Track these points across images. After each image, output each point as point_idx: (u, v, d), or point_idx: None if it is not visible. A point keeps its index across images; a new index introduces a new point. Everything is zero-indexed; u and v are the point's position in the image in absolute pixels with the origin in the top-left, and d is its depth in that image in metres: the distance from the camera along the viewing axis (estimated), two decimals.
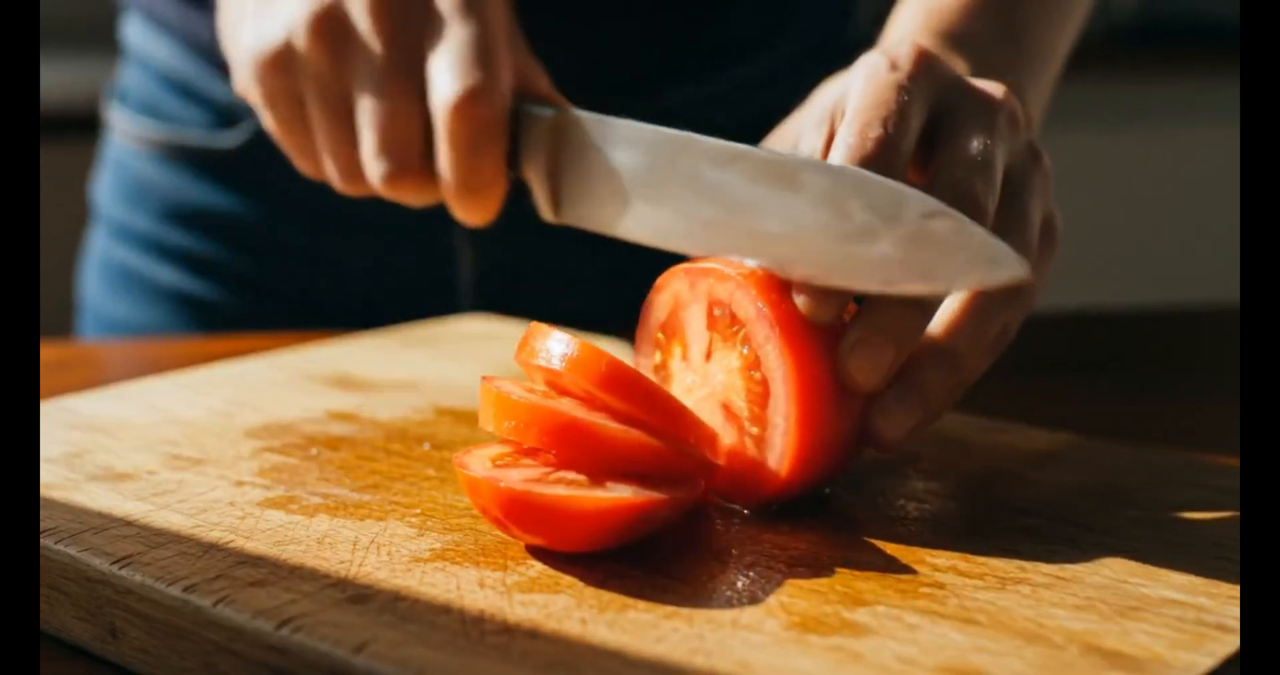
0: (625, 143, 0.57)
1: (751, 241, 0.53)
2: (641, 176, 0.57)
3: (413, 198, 0.63)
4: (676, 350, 0.55)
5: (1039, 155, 0.56)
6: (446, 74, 0.60)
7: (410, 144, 0.62)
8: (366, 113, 0.62)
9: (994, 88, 0.55)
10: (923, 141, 0.54)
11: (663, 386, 0.55)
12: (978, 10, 0.64)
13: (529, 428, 0.49)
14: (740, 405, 0.52)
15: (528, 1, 0.83)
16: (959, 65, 0.60)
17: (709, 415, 0.53)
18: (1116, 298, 2.14)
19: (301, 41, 0.62)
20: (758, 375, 0.51)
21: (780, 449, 0.51)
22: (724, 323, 0.53)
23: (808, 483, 0.52)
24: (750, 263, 0.53)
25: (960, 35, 0.63)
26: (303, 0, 0.62)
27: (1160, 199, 2.39)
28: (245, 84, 0.65)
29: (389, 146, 0.62)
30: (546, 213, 0.62)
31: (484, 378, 0.51)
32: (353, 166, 0.64)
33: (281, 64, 0.63)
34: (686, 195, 0.55)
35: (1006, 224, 0.53)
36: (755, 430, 0.52)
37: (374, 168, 0.62)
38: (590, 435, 0.49)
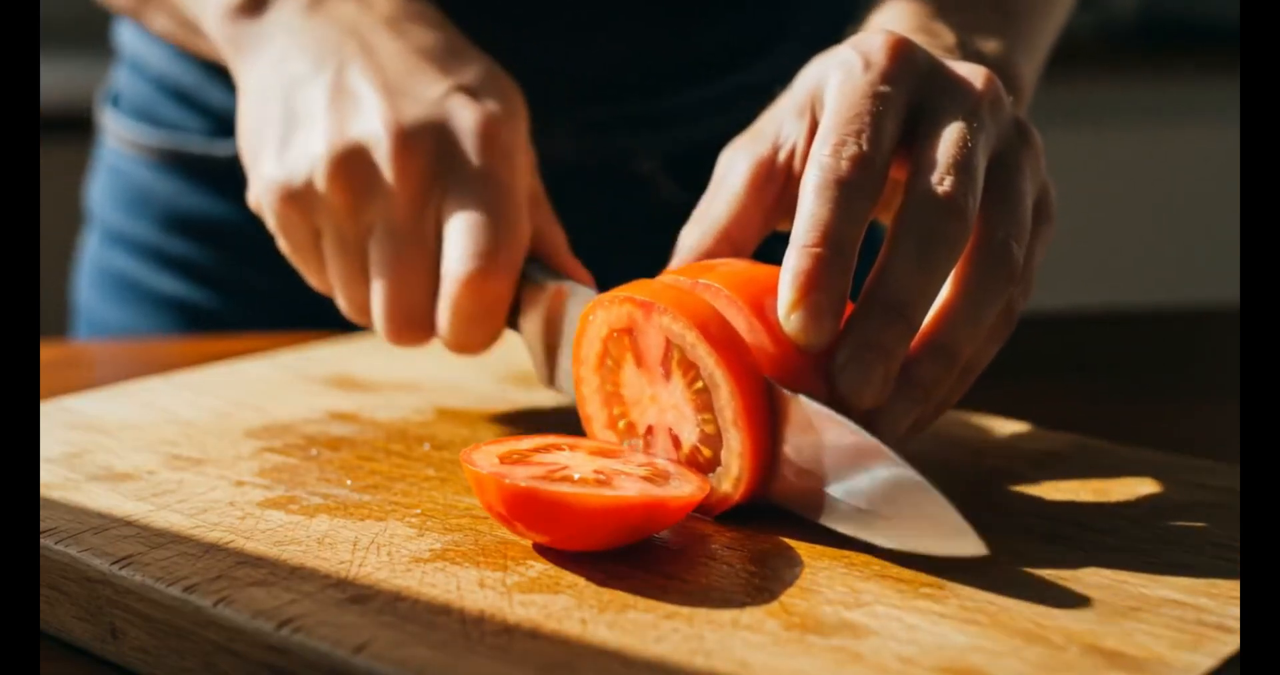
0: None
1: None
2: None
3: (412, 345, 0.63)
4: (628, 355, 0.54)
5: (1028, 133, 0.55)
6: (459, 246, 0.59)
7: (416, 308, 0.61)
8: (378, 267, 0.61)
9: (974, 72, 0.55)
10: (906, 131, 0.53)
11: (612, 389, 0.55)
12: None
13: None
14: (692, 435, 0.52)
15: (531, 7, 0.84)
16: (945, 35, 0.60)
17: (661, 435, 0.53)
18: (1116, 298, 2.14)
19: (322, 183, 0.60)
20: (703, 394, 0.51)
21: (735, 473, 0.51)
22: (677, 358, 0.52)
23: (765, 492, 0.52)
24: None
25: (948, 3, 0.62)
26: (328, 138, 0.61)
27: (1160, 199, 2.39)
28: (260, 207, 0.64)
29: (395, 309, 0.61)
30: (541, 378, 0.62)
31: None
32: (361, 305, 0.64)
33: (300, 201, 0.62)
34: None
35: (996, 209, 0.52)
36: (707, 452, 0.52)
37: (379, 321, 0.62)
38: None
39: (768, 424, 0.50)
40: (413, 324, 0.62)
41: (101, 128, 0.96)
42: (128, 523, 0.50)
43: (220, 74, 0.87)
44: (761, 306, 0.51)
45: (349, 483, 0.55)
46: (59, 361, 0.79)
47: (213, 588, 0.45)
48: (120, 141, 0.93)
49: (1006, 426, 0.63)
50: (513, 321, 0.63)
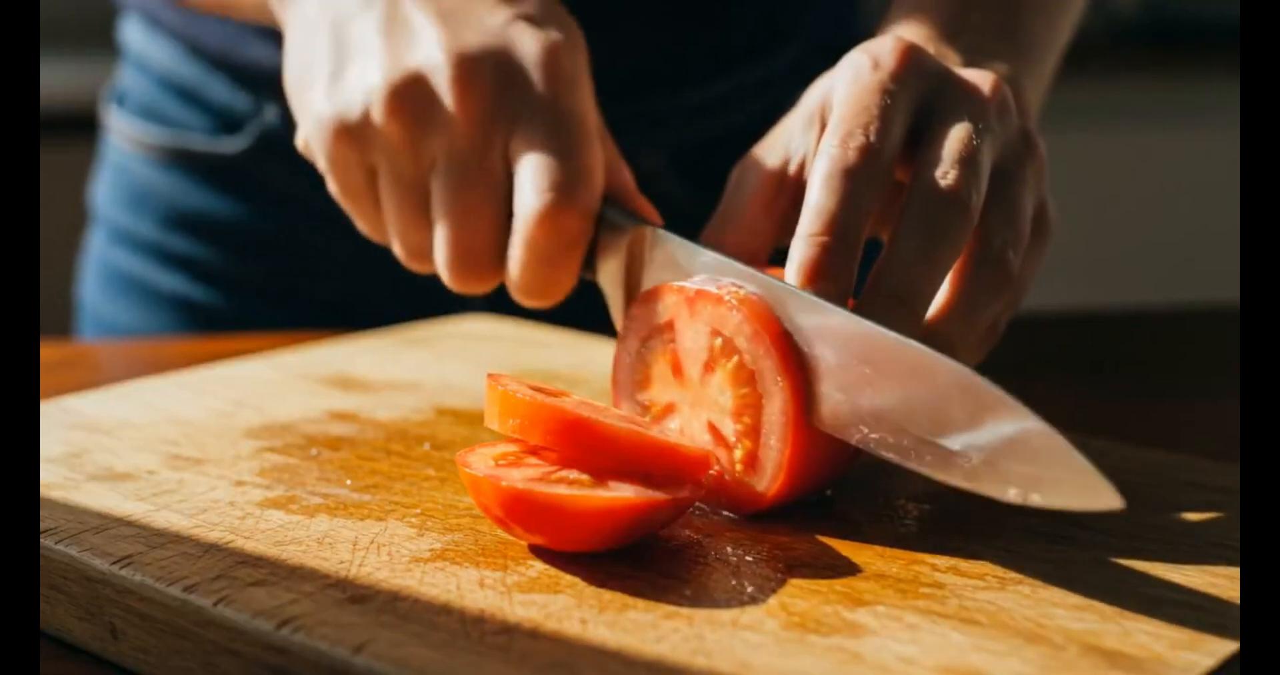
0: (709, 274, 0.54)
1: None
2: None
3: (479, 290, 0.60)
4: (663, 362, 0.55)
5: (1033, 143, 0.55)
6: (535, 179, 0.56)
7: (486, 248, 0.58)
8: (441, 206, 0.58)
9: (982, 77, 0.55)
10: (911, 138, 0.54)
11: (641, 389, 0.55)
12: (972, 5, 0.64)
13: (533, 426, 0.49)
14: (731, 428, 0.52)
15: None
16: (951, 59, 0.60)
17: (699, 432, 0.53)
18: (1116, 298, 2.14)
19: (379, 115, 0.57)
20: (748, 394, 0.51)
21: (771, 474, 0.51)
22: (721, 345, 0.52)
23: (797, 496, 0.52)
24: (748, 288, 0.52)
25: (953, 28, 0.63)
26: (384, 67, 0.57)
27: (1160, 199, 2.39)
28: (311, 147, 0.61)
29: (463, 251, 0.58)
30: (619, 321, 0.59)
31: (490, 375, 0.51)
32: (422, 249, 0.60)
33: (355, 136, 0.58)
34: None
35: (996, 214, 0.53)
36: (741, 450, 0.52)
37: (443, 265, 0.59)
38: (594, 433, 0.49)
39: (811, 431, 0.50)
40: (480, 266, 0.58)
41: (106, 127, 0.96)
42: (128, 523, 0.50)
43: (225, 71, 0.87)
44: (764, 307, 0.51)
45: (349, 483, 0.55)
46: (59, 361, 0.79)
47: (213, 588, 0.45)
48: (124, 140, 0.93)
49: None
50: (588, 266, 0.59)
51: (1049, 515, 0.53)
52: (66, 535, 0.49)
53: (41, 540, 0.49)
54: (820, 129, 0.56)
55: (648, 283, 0.57)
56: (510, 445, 0.51)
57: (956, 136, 0.52)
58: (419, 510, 0.52)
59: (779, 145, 0.58)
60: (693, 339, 0.53)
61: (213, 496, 0.53)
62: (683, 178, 0.89)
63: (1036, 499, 0.45)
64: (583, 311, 0.81)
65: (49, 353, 0.80)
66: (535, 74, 0.58)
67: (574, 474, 0.49)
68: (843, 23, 0.96)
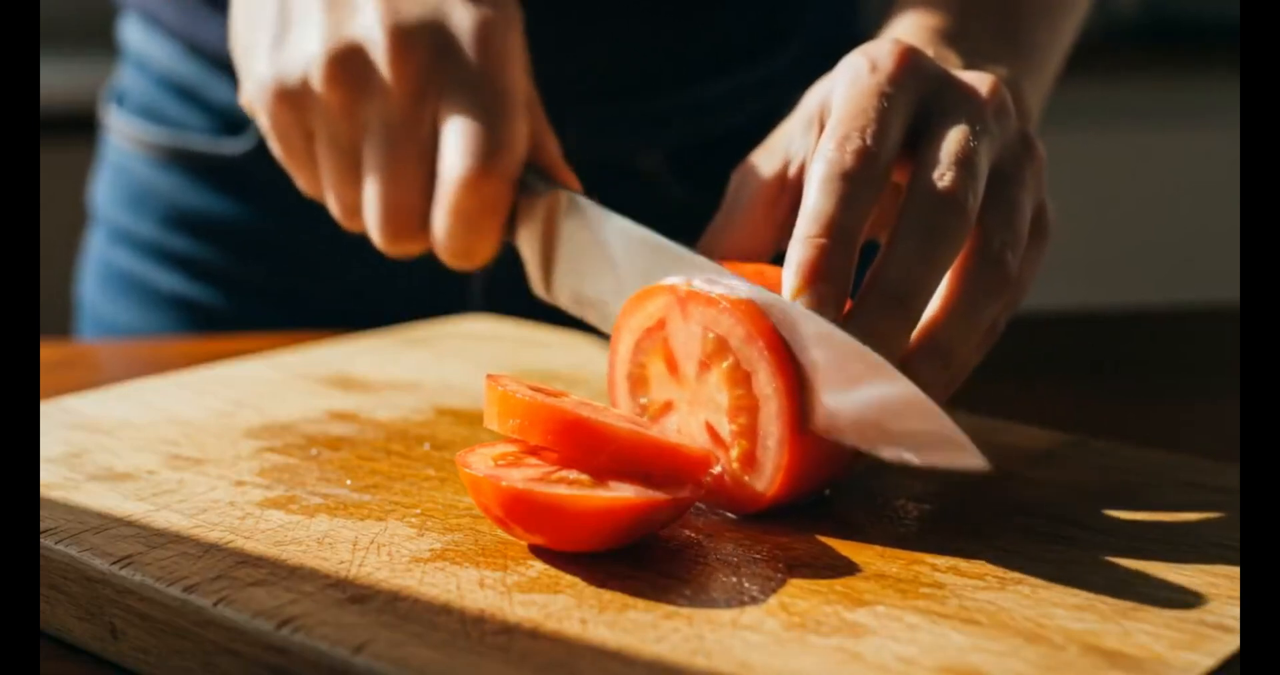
0: (619, 241, 0.57)
1: None
2: (631, 279, 0.57)
3: (406, 251, 0.63)
4: (657, 358, 0.55)
5: (1032, 146, 0.56)
6: (459, 145, 0.59)
7: (412, 210, 0.61)
8: (372, 168, 0.61)
9: (981, 80, 0.55)
10: (909, 140, 0.54)
11: (637, 389, 0.55)
12: (973, 8, 0.64)
13: (533, 426, 0.49)
14: (727, 427, 0.52)
15: (534, 5, 0.84)
16: (952, 61, 0.60)
17: (696, 430, 0.53)
18: (1116, 298, 2.14)
19: (317, 82, 0.60)
20: (743, 395, 0.51)
21: (770, 475, 0.51)
22: (714, 346, 0.52)
23: (796, 497, 0.52)
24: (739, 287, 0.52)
25: (954, 33, 0.63)
26: (324, 36, 0.60)
27: (1160, 199, 2.39)
28: (253, 108, 0.64)
29: (390, 211, 0.61)
30: (537, 286, 0.62)
31: (489, 376, 0.51)
32: (354, 207, 0.63)
33: (294, 101, 0.61)
34: None
35: (995, 215, 0.53)
36: (738, 449, 0.52)
37: (373, 224, 0.62)
38: (594, 433, 0.49)
39: (808, 433, 0.50)
40: (407, 227, 0.61)
41: (105, 126, 0.96)
42: (128, 523, 0.50)
43: (225, 71, 0.87)
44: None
45: (349, 483, 0.55)
46: (59, 361, 0.79)
47: (213, 588, 0.45)
48: (124, 139, 0.93)
49: (1006, 426, 0.63)
50: (509, 232, 0.62)
51: (1049, 516, 0.53)
52: (66, 535, 0.49)
53: (41, 540, 0.49)
54: (819, 132, 0.56)
55: (561, 248, 0.60)
56: (510, 445, 0.51)
57: (954, 138, 0.52)
58: (419, 510, 0.52)
59: (779, 148, 0.58)
60: (686, 339, 0.53)
61: (213, 496, 0.53)
62: (682, 178, 0.89)
63: (910, 457, 0.48)
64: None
65: (49, 353, 0.80)
66: (467, 47, 0.60)
67: (574, 474, 0.49)
68: (843, 22, 0.96)
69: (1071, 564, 0.48)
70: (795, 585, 0.46)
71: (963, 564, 0.48)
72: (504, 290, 0.88)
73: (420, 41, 0.60)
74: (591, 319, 0.61)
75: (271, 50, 0.62)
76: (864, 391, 0.48)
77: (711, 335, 0.52)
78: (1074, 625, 0.44)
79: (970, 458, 0.47)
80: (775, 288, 0.51)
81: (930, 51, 0.60)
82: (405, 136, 0.60)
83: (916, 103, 0.54)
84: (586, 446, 0.49)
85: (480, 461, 0.49)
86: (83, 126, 1.40)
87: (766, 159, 0.58)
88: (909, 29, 0.63)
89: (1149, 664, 0.41)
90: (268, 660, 0.43)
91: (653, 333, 0.54)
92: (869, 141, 0.52)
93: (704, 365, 0.52)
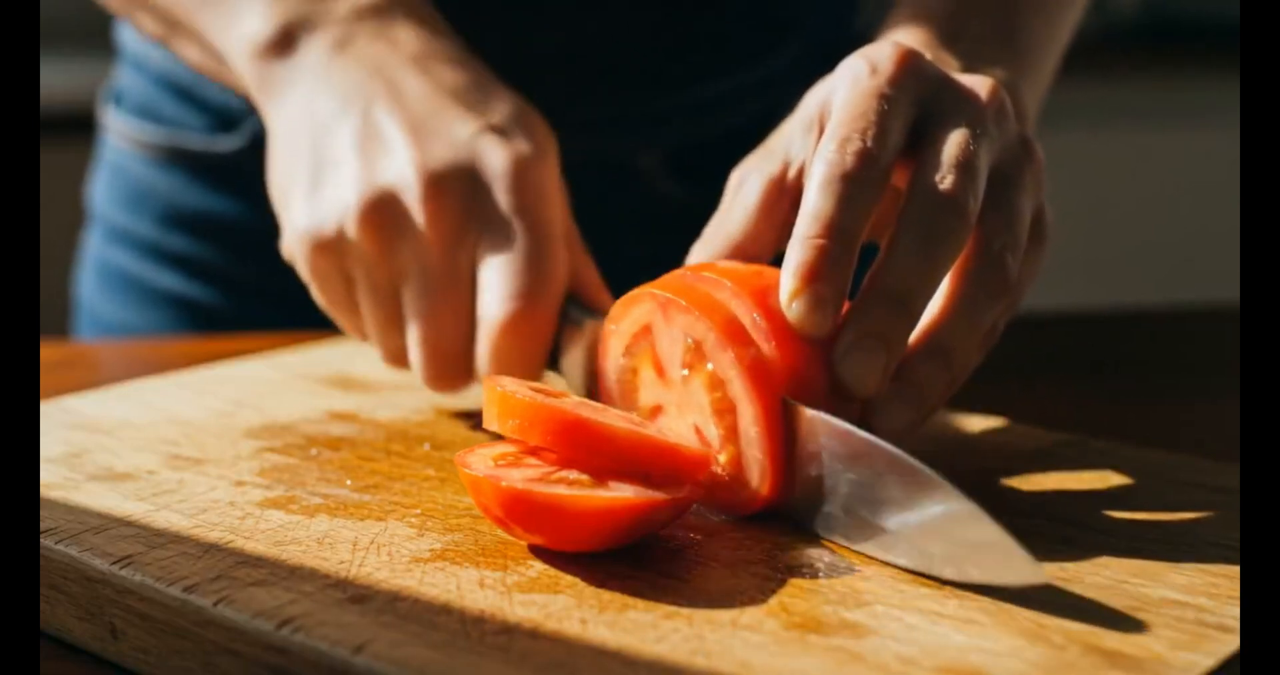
0: None
1: None
2: None
3: (452, 390, 0.62)
4: (647, 362, 0.55)
5: (1031, 149, 0.56)
6: (497, 289, 0.59)
7: (455, 352, 0.61)
8: (413, 313, 0.60)
9: (980, 82, 0.55)
10: (909, 142, 0.54)
11: (629, 394, 0.55)
12: (970, 10, 0.64)
13: (532, 426, 0.49)
14: (713, 431, 0.52)
15: (535, 5, 0.84)
16: (950, 64, 0.60)
17: (685, 433, 0.53)
18: (1116, 298, 2.14)
19: (353, 230, 0.60)
20: (722, 398, 0.51)
21: (758, 476, 0.51)
22: (695, 351, 0.52)
23: (790, 498, 0.52)
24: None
25: (952, 34, 0.63)
26: (357, 183, 0.60)
27: (1160, 199, 2.39)
28: (293, 257, 0.63)
29: (433, 355, 0.60)
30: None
31: (487, 376, 0.51)
32: (399, 353, 0.63)
33: (331, 249, 0.61)
34: None
35: (995, 220, 0.53)
36: (726, 454, 0.52)
37: (417, 367, 0.61)
38: (594, 434, 0.49)
39: (785, 431, 0.50)
40: (451, 369, 0.61)
41: (103, 126, 0.96)
42: (128, 523, 0.50)
43: None
44: (765, 299, 0.51)
45: (349, 483, 0.55)
46: (59, 361, 0.79)
47: (213, 588, 0.45)
48: (122, 139, 0.93)
49: (1006, 426, 0.63)
50: (553, 362, 0.62)
51: (1049, 516, 0.53)
52: (66, 535, 0.49)
53: (41, 540, 0.49)
54: (819, 134, 0.56)
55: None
56: (509, 445, 0.51)
57: (954, 141, 0.52)
58: (419, 510, 0.52)
59: (778, 150, 0.58)
60: (670, 343, 0.53)
61: (213, 496, 0.53)
62: (681, 178, 0.89)
63: (975, 574, 0.46)
64: None
65: (49, 353, 0.80)
66: (501, 188, 0.60)
67: (574, 474, 0.49)
68: (842, 23, 0.96)
69: (1071, 564, 0.48)
70: (795, 585, 0.46)
71: None
72: None
73: (454, 185, 0.59)
74: None
75: (307, 199, 0.61)
76: (915, 509, 0.47)
77: (690, 340, 0.52)
78: (1074, 625, 0.44)
79: (1029, 572, 0.45)
80: (772, 289, 0.51)
81: (928, 53, 0.60)
82: (444, 281, 0.60)
83: (916, 105, 0.54)
84: (586, 447, 0.49)
85: (480, 462, 0.49)
86: (82, 126, 1.40)
87: (765, 161, 0.58)
88: (906, 30, 0.63)
89: (1149, 664, 0.41)
90: (268, 660, 0.43)
91: (640, 338, 0.54)
92: (869, 143, 0.52)
93: (688, 369, 0.53)
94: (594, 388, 0.60)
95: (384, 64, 0.63)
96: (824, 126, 0.56)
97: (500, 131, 0.61)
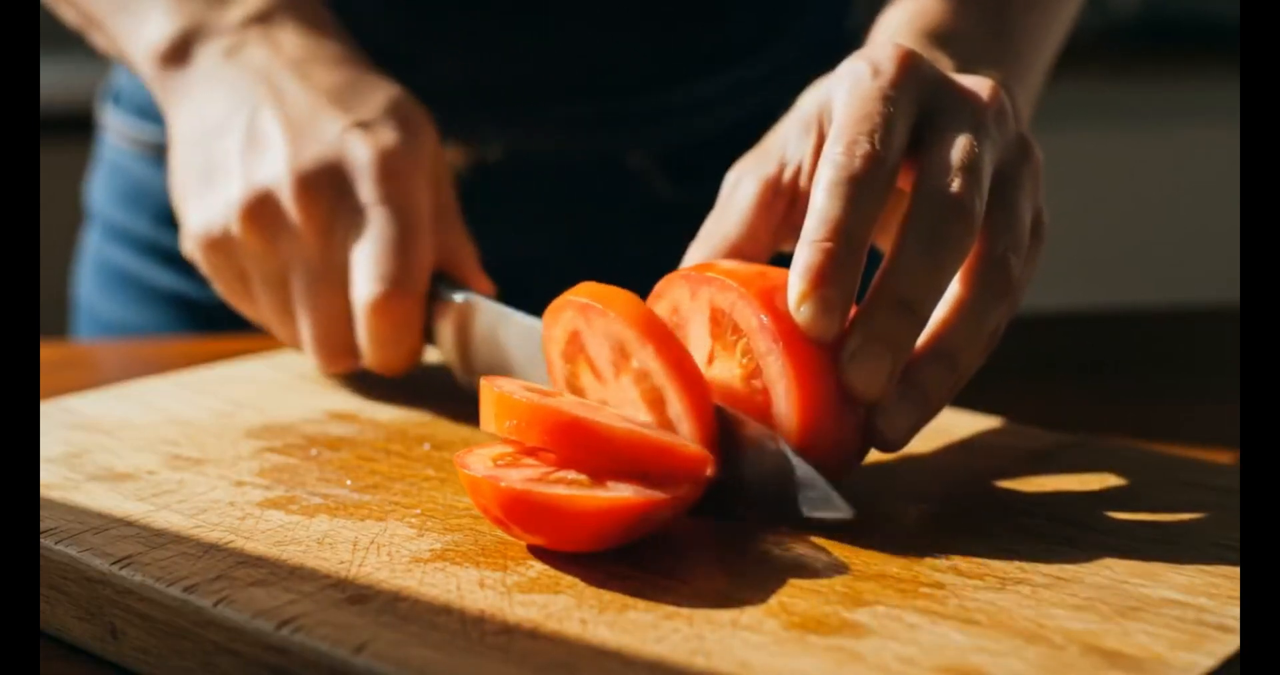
0: (519, 341, 0.62)
1: None
2: (533, 371, 0.61)
3: (345, 369, 0.67)
4: (585, 369, 0.55)
5: (1029, 149, 0.56)
6: (364, 275, 0.63)
7: (340, 336, 0.65)
8: (299, 303, 0.65)
9: (981, 84, 0.55)
10: (910, 145, 0.54)
11: (579, 395, 0.55)
12: (963, 8, 0.64)
13: (530, 427, 0.49)
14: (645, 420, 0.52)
15: (530, 5, 0.84)
16: (944, 63, 0.60)
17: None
18: (1116, 298, 2.14)
19: (236, 229, 0.64)
20: (759, 384, 0.51)
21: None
22: (725, 331, 0.53)
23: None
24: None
25: (946, 33, 0.63)
26: (240, 184, 0.65)
27: (1160, 199, 2.39)
28: (191, 255, 0.68)
29: (320, 339, 0.65)
30: (460, 379, 0.66)
31: (484, 377, 0.51)
32: (294, 337, 0.67)
33: (221, 248, 0.66)
34: None
35: (997, 220, 0.53)
36: None
37: (308, 352, 0.66)
38: (592, 433, 0.49)
39: (824, 416, 0.51)
40: (340, 352, 0.65)
41: (102, 125, 0.96)
42: (128, 523, 0.50)
43: None
44: (772, 300, 0.51)
45: (349, 483, 0.55)
46: (59, 361, 0.79)
47: (213, 588, 0.45)
48: (120, 138, 0.93)
49: (1006, 426, 0.63)
50: (430, 336, 0.66)
51: (1049, 516, 0.53)
52: (66, 535, 0.49)
53: (41, 540, 0.49)
54: (818, 135, 0.56)
55: (473, 350, 0.64)
56: (508, 445, 0.51)
57: (958, 143, 0.52)
58: (419, 510, 0.52)
59: (774, 151, 0.58)
60: (597, 347, 0.54)
61: (213, 496, 0.53)
62: (673, 177, 0.89)
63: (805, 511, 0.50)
64: None
65: (49, 353, 0.80)
66: (365, 180, 0.64)
67: (572, 474, 0.49)
68: (834, 23, 0.96)
69: (1071, 564, 0.48)
70: (795, 585, 0.46)
71: (963, 564, 0.48)
72: (498, 291, 0.89)
73: (321, 182, 0.64)
74: None
75: (199, 199, 0.67)
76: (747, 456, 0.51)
77: (611, 343, 0.53)
78: (1074, 625, 0.44)
79: (837, 508, 0.49)
80: (778, 290, 0.51)
81: (925, 51, 0.60)
82: (321, 271, 0.64)
83: (918, 106, 0.54)
84: (583, 447, 0.49)
85: (479, 462, 0.49)
86: (81, 126, 1.40)
87: (762, 161, 0.58)
88: (900, 29, 0.63)
89: (1149, 664, 0.41)
90: (268, 660, 0.43)
91: (571, 345, 0.55)
92: (876, 145, 0.52)
93: (617, 367, 0.53)
94: (465, 362, 0.65)
95: (268, 69, 0.68)
96: (823, 128, 0.56)
97: (366, 126, 0.66)
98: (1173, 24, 2.39)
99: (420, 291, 0.64)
